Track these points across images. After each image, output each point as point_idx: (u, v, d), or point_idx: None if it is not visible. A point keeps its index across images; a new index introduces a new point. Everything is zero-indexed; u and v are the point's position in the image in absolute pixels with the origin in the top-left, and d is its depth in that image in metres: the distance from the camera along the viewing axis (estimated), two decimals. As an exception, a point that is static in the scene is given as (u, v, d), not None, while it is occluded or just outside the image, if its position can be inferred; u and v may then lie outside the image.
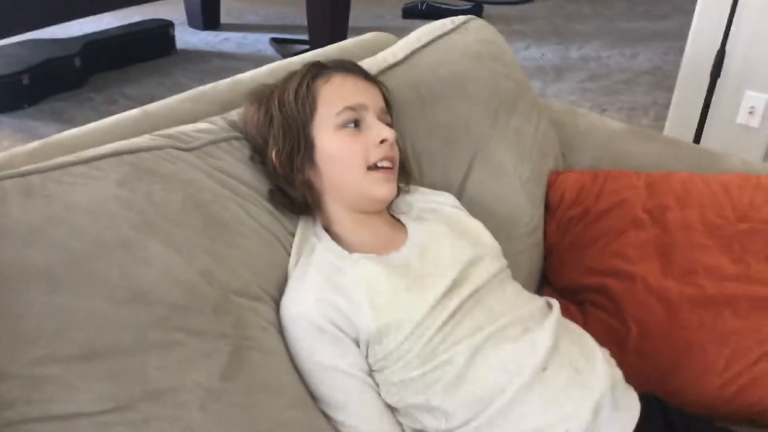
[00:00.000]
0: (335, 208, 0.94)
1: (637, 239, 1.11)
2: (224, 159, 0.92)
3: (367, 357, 0.85)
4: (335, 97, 0.92)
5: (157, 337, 0.70)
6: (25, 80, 2.78)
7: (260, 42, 3.80)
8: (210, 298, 0.77)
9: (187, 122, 0.98)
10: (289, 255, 0.91)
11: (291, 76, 0.96)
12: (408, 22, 4.34)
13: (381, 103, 0.96)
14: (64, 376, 0.65)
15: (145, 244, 0.75)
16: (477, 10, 4.39)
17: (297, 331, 0.84)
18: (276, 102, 0.93)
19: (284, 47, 3.66)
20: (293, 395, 0.80)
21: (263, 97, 0.95)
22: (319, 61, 0.97)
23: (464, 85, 1.17)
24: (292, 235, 0.93)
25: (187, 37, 3.83)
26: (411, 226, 0.97)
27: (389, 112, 1.00)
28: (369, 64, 1.15)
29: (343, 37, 3.64)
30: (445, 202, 1.04)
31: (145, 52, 3.39)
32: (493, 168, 1.16)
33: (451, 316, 0.85)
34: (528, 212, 1.17)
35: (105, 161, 0.80)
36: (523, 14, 4.64)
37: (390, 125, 0.96)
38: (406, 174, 1.06)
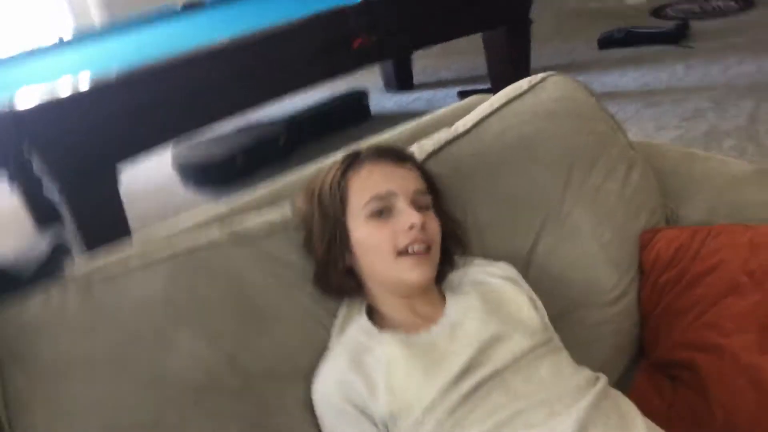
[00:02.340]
0: (378, 290, 0.98)
1: (735, 307, 0.96)
2: (279, 248, 1.00)
3: None
4: (363, 187, 0.96)
5: (173, 417, 0.81)
6: (239, 160, 3.22)
7: (449, 96, 3.92)
8: (231, 382, 0.85)
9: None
10: (329, 335, 0.96)
11: (330, 167, 1.02)
12: (605, 53, 4.15)
13: (415, 185, 0.97)
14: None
15: (176, 333, 0.87)
16: (681, 30, 4.04)
17: (320, 409, 0.89)
18: (316, 194, 1.00)
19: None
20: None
21: (310, 188, 1.03)
22: (355, 152, 1.02)
23: (533, 147, 1.13)
24: (335, 316, 0.98)
25: (383, 101, 4.09)
26: (450, 302, 0.97)
27: (432, 190, 1.01)
28: (442, 135, 1.17)
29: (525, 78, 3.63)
30: (496, 272, 1.01)
31: (343, 121, 3.71)
32: (567, 232, 1.09)
33: (465, 399, 0.83)
34: (610, 279, 1.08)
35: (162, 265, 0.94)
36: (740, 25, 4.15)
37: (427, 207, 0.97)
38: (461, 246, 1.05)
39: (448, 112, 1.38)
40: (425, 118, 1.37)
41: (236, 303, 0.92)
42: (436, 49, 4.41)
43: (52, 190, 2.08)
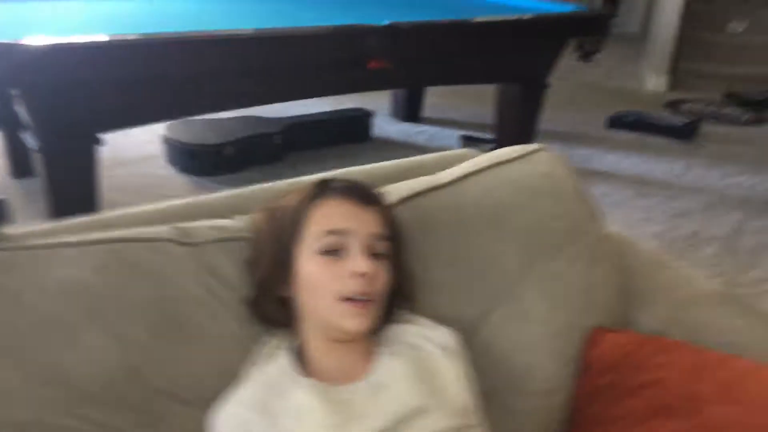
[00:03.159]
0: (308, 330, 0.93)
1: (662, 431, 0.94)
2: (221, 259, 0.97)
3: None
4: (322, 220, 0.92)
5: (52, 420, 0.76)
6: (229, 151, 3.18)
7: (451, 138, 3.92)
8: (128, 394, 0.81)
9: (227, 216, 1.06)
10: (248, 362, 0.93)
11: (297, 190, 0.98)
12: (612, 132, 4.18)
13: (375, 229, 0.93)
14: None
15: (84, 329, 0.82)
16: (691, 127, 4.08)
17: (215, 440, 0.85)
18: (274, 215, 0.96)
19: (471, 144, 3.74)
20: None
21: (270, 206, 0.99)
22: (325, 180, 0.99)
23: (506, 219, 1.11)
24: (262, 344, 0.95)
25: (387, 126, 4.09)
26: (381, 360, 0.93)
27: (394, 238, 0.97)
28: (421, 182, 1.14)
29: (529, 140, 3.63)
30: (436, 339, 0.98)
31: (341, 136, 3.69)
32: (517, 313, 1.06)
33: (367, 468, 0.80)
34: (549, 369, 1.05)
35: (95, 247, 0.90)
36: (748, 137, 4.20)
37: (384, 254, 0.93)
38: (408, 302, 1.02)
39: (437, 158, 1.36)
40: (410, 160, 1.35)
41: (158, 308, 0.88)
42: (450, 88, 4.44)
43: (32, 146, 2.03)
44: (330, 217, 0.92)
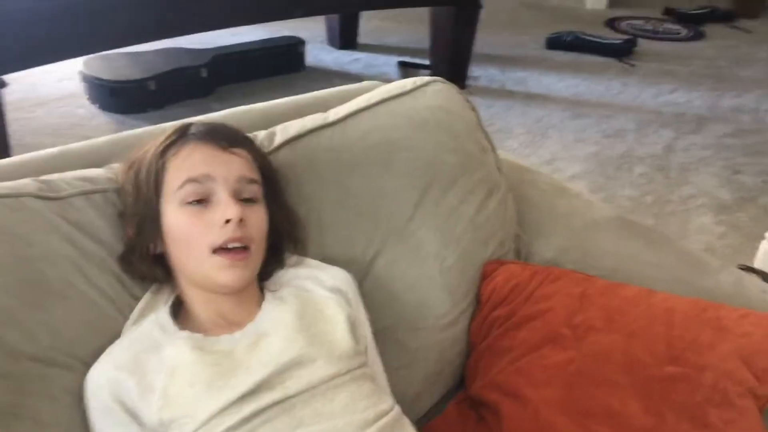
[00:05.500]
0: (185, 284, 0.90)
1: (549, 359, 0.95)
2: (87, 213, 0.91)
3: None
4: (180, 168, 0.86)
5: None
6: (152, 86, 3.05)
7: (388, 65, 3.83)
8: (-10, 360, 0.77)
9: (98, 166, 1.00)
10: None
11: (156, 138, 0.91)
12: (550, 53, 4.13)
13: (240, 172, 0.88)
14: None
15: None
16: (629, 45, 4.05)
17: (89, 402, 0.82)
18: (135, 167, 0.90)
19: (408, 71, 3.66)
20: (56, 471, 0.78)
21: (130, 158, 0.92)
22: (183, 126, 0.92)
23: (394, 155, 1.07)
24: (138, 300, 0.91)
25: (322, 55, 3.96)
26: (266, 308, 0.91)
27: (267, 180, 0.93)
28: (305, 122, 1.10)
29: (465, 63, 3.57)
30: (325, 281, 0.95)
31: (273, 67, 3.56)
32: (409, 250, 1.05)
33: (243, 422, 0.78)
34: (444, 305, 1.05)
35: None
36: (685, 53, 4.20)
37: (254, 198, 0.89)
38: (296, 244, 0.99)
39: (338, 92, 1.30)
40: (309, 96, 1.30)
41: (18, 268, 0.82)
42: (386, 13, 4.31)
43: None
44: (187, 164, 0.86)
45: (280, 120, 1.13)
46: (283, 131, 1.08)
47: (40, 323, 0.82)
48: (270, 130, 1.09)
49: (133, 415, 0.80)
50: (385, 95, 1.14)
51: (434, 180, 1.08)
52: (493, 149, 1.18)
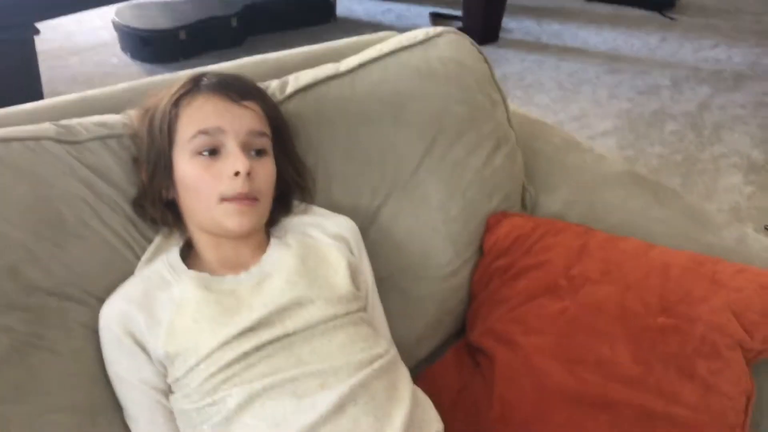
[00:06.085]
0: (195, 229, 0.94)
1: (545, 309, 0.97)
2: (104, 158, 0.95)
3: (166, 377, 0.86)
4: (192, 120, 0.89)
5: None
6: (182, 35, 3.08)
7: (421, 16, 3.78)
8: (8, 292, 0.83)
9: (117, 112, 1.04)
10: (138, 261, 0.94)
11: (170, 87, 0.94)
12: (589, 5, 4.01)
13: (251, 125, 0.90)
14: None
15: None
16: (670, -2, 3.91)
17: (102, 337, 0.87)
18: (149, 115, 0.93)
19: (441, 22, 3.61)
20: (72, 399, 0.83)
21: (145, 106, 0.95)
22: (196, 76, 0.95)
23: (403, 107, 1.08)
24: (150, 241, 0.95)
25: (352, 6, 3.93)
26: (270, 251, 0.94)
27: (277, 133, 0.96)
28: (317, 72, 1.11)
29: (499, 15, 3.50)
30: (329, 228, 0.99)
31: (304, 18, 3.55)
32: (414, 200, 1.07)
33: (243, 357, 0.82)
34: (446, 254, 1.07)
35: (-28, 147, 0.89)
36: (730, 6, 4.04)
37: (263, 150, 0.92)
38: (304, 194, 1.02)
39: (353, 43, 1.31)
40: (324, 46, 1.31)
41: (38, 208, 0.87)
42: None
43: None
44: (199, 116, 0.89)
45: (294, 70, 1.15)
46: (295, 80, 1.10)
47: (58, 260, 0.87)
48: (283, 79, 1.11)
49: (142, 347, 0.85)
50: (397, 46, 1.15)
51: (442, 132, 1.09)
52: (505, 102, 1.18)
